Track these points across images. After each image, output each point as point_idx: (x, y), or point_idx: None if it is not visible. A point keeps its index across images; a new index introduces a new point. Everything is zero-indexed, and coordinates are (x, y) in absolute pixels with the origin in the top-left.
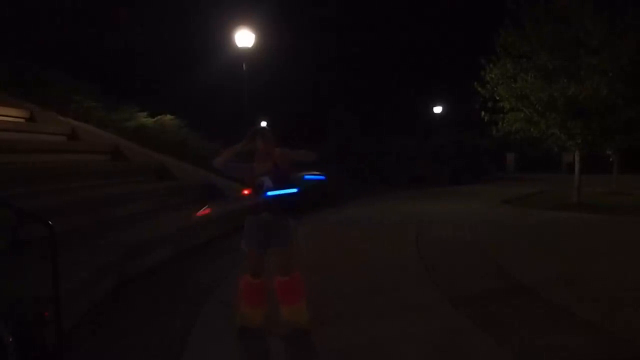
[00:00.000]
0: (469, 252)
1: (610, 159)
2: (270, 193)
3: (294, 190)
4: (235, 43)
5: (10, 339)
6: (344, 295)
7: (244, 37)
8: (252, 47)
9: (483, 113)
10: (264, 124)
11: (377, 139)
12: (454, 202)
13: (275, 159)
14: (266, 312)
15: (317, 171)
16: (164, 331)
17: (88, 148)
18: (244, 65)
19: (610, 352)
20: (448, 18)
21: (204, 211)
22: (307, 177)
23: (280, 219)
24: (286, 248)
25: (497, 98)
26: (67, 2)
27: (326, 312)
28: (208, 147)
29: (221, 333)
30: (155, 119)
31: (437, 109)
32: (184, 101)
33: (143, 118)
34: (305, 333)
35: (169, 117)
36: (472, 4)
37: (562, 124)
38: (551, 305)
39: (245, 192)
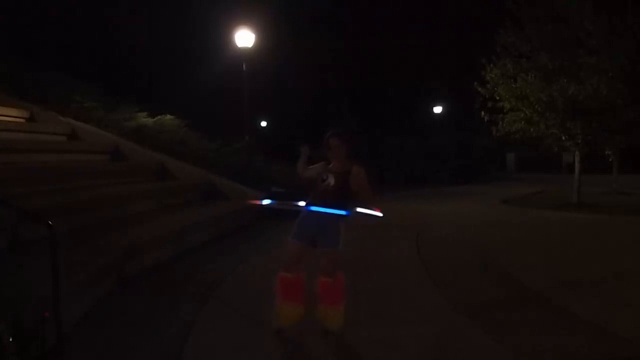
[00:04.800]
0: (469, 252)
1: (610, 159)
2: (317, 209)
3: (343, 212)
4: (235, 43)
5: (10, 339)
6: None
7: (244, 37)
8: (252, 47)
9: (483, 113)
10: (263, 124)
11: (377, 139)
12: (453, 202)
13: (347, 169)
14: (304, 312)
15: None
16: (164, 331)
17: (88, 148)
18: (244, 65)
19: (610, 352)
20: (448, 18)
21: (256, 201)
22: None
23: (332, 220)
24: (332, 249)
25: (497, 98)
26: (67, 2)
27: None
28: (208, 147)
29: (221, 333)
30: (155, 119)
31: (437, 109)
32: (184, 101)
33: (143, 118)
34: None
35: (169, 117)
36: (472, 4)
37: (562, 124)
38: (551, 305)
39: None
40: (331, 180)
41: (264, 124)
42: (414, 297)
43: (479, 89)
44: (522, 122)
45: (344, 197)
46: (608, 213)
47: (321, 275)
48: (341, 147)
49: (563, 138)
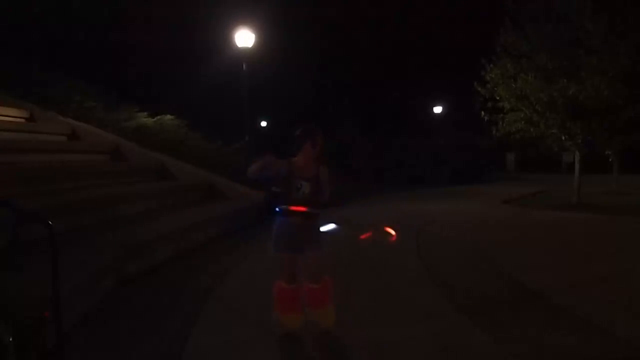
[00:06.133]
0: (469, 252)
1: (610, 159)
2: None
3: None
4: (235, 43)
5: (10, 339)
6: (344, 297)
7: (244, 37)
8: (252, 47)
9: (483, 113)
10: (263, 124)
11: (378, 139)
12: (454, 202)
13: (317, 171)
14: (303, 317)
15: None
16: (164, 331)
17: (88, 148)
18: (244, 65)
19: (610, 352)
20: (448, 18)
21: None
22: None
23: (311, 223)
24: (317, 256)
25: (497, 98)
26: (67, 2)
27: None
28: (208, 147)
29: (222, 332)
30: (155, 119)
31: (437, 109)
32: (184, 101)
33: (143, 118)
34: (326, 333)
35: (169, 117)
36: (472, 4)
37: (562, 124)
38: (551, 304)
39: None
40: (306, 189)
41: (264, 124)
42: (414, 297)
43: (479, 89)
44: (522, 122)
45: (319, 200)
46: (608, 213)
47: (308, 281)
48: (322, 146)
49: (563, 138)
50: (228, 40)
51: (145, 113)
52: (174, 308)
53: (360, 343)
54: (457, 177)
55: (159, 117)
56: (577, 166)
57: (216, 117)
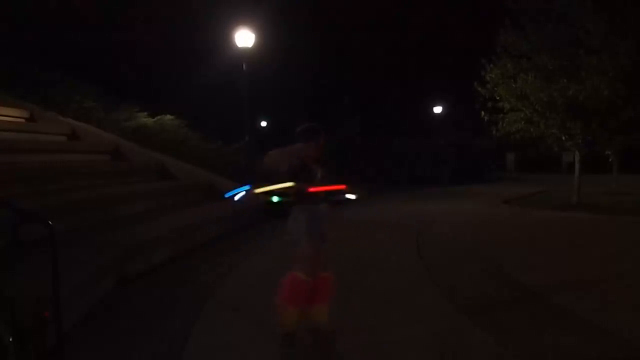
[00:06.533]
0: (469, 252)
1: (610, 159)
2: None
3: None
4: (235, 43)
5: (10, 339)
6: (345, 297)
7: (244, 37)
8: (252, 47)
9: (483, 113)
10: (263, 124)
11: (377, 139)
12: (454, 202)
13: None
14: (305, 315)
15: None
16: (164, 331)
17: (88, 148)
18: (244, 65)
19: (610, 352)
20: (448, 18)
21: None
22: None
23: (329, 212)
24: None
25: (497, 98)
26: (67, 2)
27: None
28: (208, 147)
29: (222, 333)
30: (155, 119)
31: (437, 109)
32: (184, 101)
33: (143, 118)
34: (326, 333)
35: (169, 117)
36: (472, 4)
37: (562, 124)
38: (551, 304)
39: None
40: (319, 174)
41: (264, 124)
42: (414, 297)
43: (479, 89)
44: (522, 122)
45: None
46: (608, 213)
47: (322, 271)
48: (323, 146)
49: (563, 138)
50: (228, 40)
51: (145, 113)
52: (174, 308)
53: (360, 343)
54: (457, 177)
55: (159, 117)
56: (577, 166)
57: (216, 117)
